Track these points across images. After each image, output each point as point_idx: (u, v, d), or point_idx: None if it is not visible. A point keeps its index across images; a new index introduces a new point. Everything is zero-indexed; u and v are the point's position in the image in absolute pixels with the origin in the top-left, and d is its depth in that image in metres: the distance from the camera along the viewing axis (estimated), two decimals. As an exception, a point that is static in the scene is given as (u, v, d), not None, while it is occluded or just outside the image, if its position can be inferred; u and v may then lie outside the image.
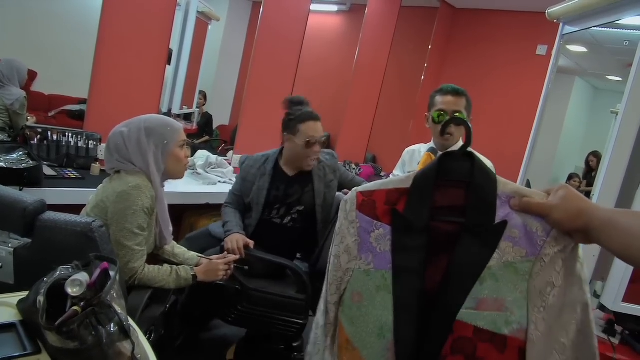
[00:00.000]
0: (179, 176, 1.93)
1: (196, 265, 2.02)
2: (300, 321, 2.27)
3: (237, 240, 2.21)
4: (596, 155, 4.34)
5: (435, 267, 0.94)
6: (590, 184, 4.29)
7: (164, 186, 1.91)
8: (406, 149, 2.43)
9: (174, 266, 1.89)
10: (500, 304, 0.90)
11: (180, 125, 1.89)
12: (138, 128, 1.79)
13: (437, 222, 0.96)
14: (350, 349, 1.02)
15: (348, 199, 1.04)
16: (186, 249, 2.10)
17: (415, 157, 2.32)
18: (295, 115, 2.32)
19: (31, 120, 2.70)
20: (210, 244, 2.34)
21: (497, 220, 0.91)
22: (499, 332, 0.90)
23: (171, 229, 2.00)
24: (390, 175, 2.38)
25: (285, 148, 2.40)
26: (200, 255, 2.09)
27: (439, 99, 2.15)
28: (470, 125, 1.03)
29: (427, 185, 0.97)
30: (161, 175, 1.84)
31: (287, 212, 2.40)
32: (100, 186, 1.85)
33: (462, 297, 0.91)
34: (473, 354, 0.91)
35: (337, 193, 2.53)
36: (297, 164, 2.38)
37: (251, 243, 2.21)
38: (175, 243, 2.12)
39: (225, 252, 2.14)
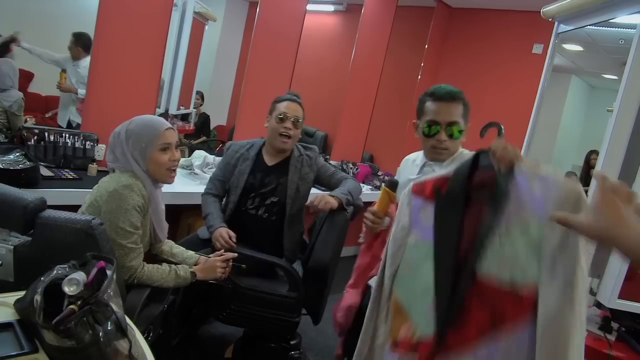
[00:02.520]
0: (164, 180, 1.86)
1: (195, 264, 2.02)
2: (293, 319, 2.27)
3: (221, 235, 2.23)
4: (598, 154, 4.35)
5: (466, 234, 1.15)
6: (588, 183, 4.30)
7: (159, 187, 1.91)
8: (405, 158, 2.14)
9: (173, 265, 1.90)
10: (516, 263, 1.06)
11: (163, 126, 1.82)
12: (124, 129, 1.80)
13: (471, 203, 1.17)
14: (401, 313, 1.25)
15: (407, 189, 1.32)
16: (184, 249, 2.11)
17: (408, 166, 2.04)
18: (276, 98, 2.46)
19: (30, 122, 2.70)
20: (200, 247, 2.34)
21: (518, 193, 1.08)
22: (516, 287, 1.06)
23: (166, 227, 2.00)
24: None
25: (267, 131, 2.46)
26: (199, 253, 2.10)
27: (430, 105, 1.81)
28: (502, 129, 1.15)
29: (463, 174, 1.20)
30: (147, 175, 1.82)
31: (261, 203, 2.42)
32: (95, 186, 1.85)
33: (484, 257, 1.09)
34: (493, 306, 1.08)
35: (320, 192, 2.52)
36: (273, 143, 2.43)
37: (233, 235, 2.23)
38: (173, 243, 2.12)
39: (222, 251, 2.14)
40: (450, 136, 1.77)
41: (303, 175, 2.45)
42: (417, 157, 2.01)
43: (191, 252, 2.09)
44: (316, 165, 2.50)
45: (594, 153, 4.53)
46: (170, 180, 1.87)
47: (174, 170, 1.87)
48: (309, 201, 2.24)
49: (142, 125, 1.81)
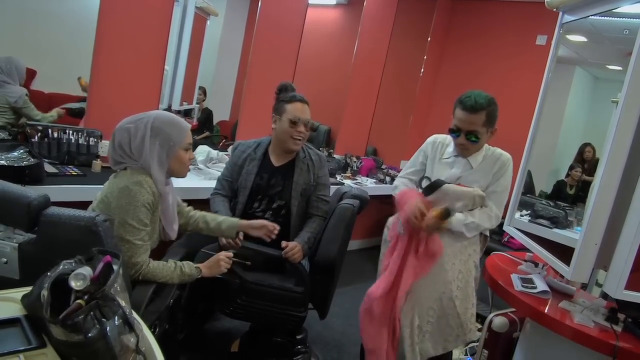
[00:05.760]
0: (181, 176, 1.94)
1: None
2: (299, 314, 2.27)
3: None
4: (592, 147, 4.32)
5: None
6: (591, 174, 4.25)
7: (169, 184, 1.91)
8: (432, 139, 2.37)
9: (179, 262, 1.90)
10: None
11: (187, 126, 1.88)
12: (145, 126, 1.78)
13: None
14: None
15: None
16: (221, 217, 2.19)
17: (439, 149, 2.31)
18: (284, 97, 2.41)
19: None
20: (208, 240, 2.35)
21: None
22: None
23: (176, 227, 2.00)
24: (409, 162, 2.42)
25: (273, 131, 2.44)
26: (204, 250, 2.11)
27: (458, 112, 2.10)
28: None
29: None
30: (165, 173, 1.84)
31: (268, 206, 2.42)
32: (106, 182, 1.85)
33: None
34: None
35: (336, 186, 2.53)
36: (282, 145, 2.41)
37: (240, 234, 2.23)
38: (206, 214, 2.19)
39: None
40: (469, 140, 2.11)
41: (307, 180, 2.44)
42: (445, 139, 2.32)
43: (231, 220, 2.19)
44: (316, 177, 2.48)
45: (587, 146, 4.49)
46: (185, 175, 1.95)
47: (189, 167, 1.97)
48: (284, 244, 2.26)
49: (169, 123, 1.82)
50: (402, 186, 2.32)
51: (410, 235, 2.14)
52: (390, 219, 2.34)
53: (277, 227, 2.21)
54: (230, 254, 2.07)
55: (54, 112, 2.78)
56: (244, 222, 2.20)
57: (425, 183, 2.21)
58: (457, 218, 2.11)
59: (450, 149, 2.26)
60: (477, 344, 2.38)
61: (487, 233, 2.28)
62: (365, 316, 2.19)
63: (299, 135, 2.36)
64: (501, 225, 2.43)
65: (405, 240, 2.15)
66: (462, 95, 2.11)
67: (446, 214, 2.04)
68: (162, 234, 1.95)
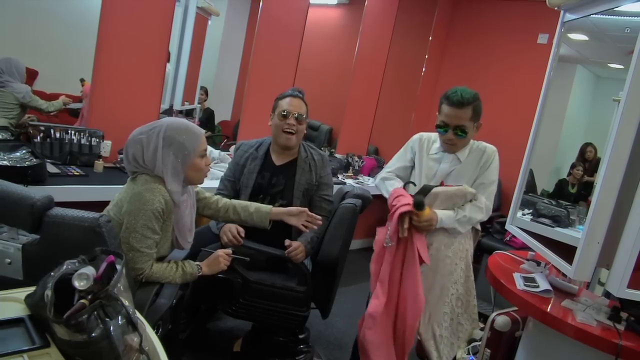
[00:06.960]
0: (198, 183, 1.92)
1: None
2: (302, 313, 2.27)
3: (229, 230, 2.24)
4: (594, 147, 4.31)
5: None
6: (591, 174, 4.26)
7: (186, 192, 1.88)
8: (417, 136, 2.40)
9: (180, 262, 1.90)
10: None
11: (201, 131, 1.85)
12: (157, 136, 1.75)
13: None
14: None
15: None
16: (254, 207, 2.14)
17: (425, 146, 2.33)
18: (279, 96, 2.46)
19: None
20: (212, 239, 2.35)
21: None
22: None
23: (190, 239, 1.96)
24: (394, 158, 2.46)
25: (271, 129, 2.45)
26: (204, 249, 2.11)
27: (444, 107, 2.13)
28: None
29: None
30: (180, 183, 1.82)
31: (270, 204, 2.41)
32: (124, 185, 1.85)
33: None
34: None
35: (339, 186, 2.52)
36: (277, 141, 2.42)
37: (242, 231, 2.23)
38: (236, 205, 2.12)
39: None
40: (457, 135, 2.14)
41: (309, 180, 2.44)
42: (429, 136, 2.36)
43: (264, 211, 2.12)
44: (318, 176, 2.48)
45: (589, 145, 4.48)
46: (202, 182, 1.93)
47: (207, 173, 1.92)
48: (287, 242, 2.24)
49: (181, 131, 1.79)
50: (391, 182, 2.30)
51: (399, 243, 2.07)
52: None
53: (320, 217, 2.19)
54: (229, 250, 2.07)
55: (60, 100, 2.82)
56: (279, 210, 2.15)
57: (410, 188, 2.20)
58: (448, 215, 2.09)
59: (437, 144, 2.28)
60: (480, 343, 2.38)
61: (478, 226, 2.30)
62: (369, 335, 2.09)
63: (290, 129, 2.36)
64: (503, 224, 2.43)
65: (393, 250, 2.07)
66: (448, 91, 2.13)
67: (417, 204, 1.98)
68: (176, 244, 1.93)
